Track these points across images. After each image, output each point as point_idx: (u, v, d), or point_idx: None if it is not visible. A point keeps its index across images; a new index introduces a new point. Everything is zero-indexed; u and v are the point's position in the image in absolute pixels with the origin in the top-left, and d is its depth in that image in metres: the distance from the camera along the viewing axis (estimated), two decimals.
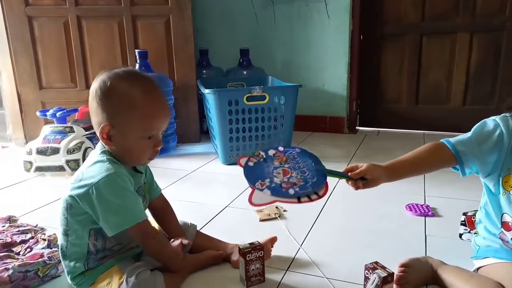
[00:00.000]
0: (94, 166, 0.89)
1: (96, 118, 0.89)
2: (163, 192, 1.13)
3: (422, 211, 1.39)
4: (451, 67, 2.54)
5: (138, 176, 0.97)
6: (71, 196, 0.88)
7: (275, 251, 1.13)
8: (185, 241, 1.00)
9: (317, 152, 2.27)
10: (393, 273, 0.87)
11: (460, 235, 1.21)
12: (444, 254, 1.11)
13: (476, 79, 2.50)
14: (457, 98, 2.56)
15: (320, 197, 0.86)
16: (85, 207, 0.86)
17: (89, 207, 0.86)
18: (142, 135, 0.89)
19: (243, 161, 0.88)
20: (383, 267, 0.88)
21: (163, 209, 1.09)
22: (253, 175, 0.85)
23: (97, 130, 0.90)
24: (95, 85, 0.89)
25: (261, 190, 0.83)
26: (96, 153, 0.92)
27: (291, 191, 0.84)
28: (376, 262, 0.90)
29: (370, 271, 0.88)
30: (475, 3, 2.41)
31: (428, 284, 0.96)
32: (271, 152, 0.89)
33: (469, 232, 1.19)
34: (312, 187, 0.85)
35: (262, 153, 0.89)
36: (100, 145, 0.94)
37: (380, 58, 2.70)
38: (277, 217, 1.39)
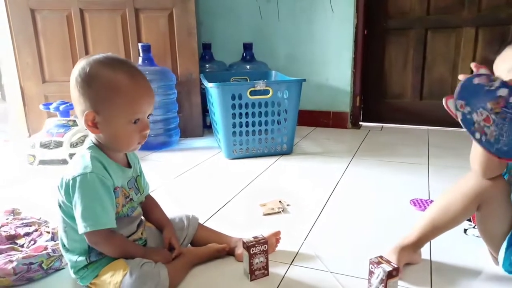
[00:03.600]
0: (76, 160, 0.89)
1: (79, 106, 0.88)
2: (167, 186, 1.12)
3: (426, 206, 1.38)
4: (456, 61, 2.52)
5: (127, 170, 0.96)
6: (60, 193, 0.89)
7: (280, 245, 1.12)
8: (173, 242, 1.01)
9: (321, 147, 2.28)
10: (398, 268, 0.86)
11: (465, 230, 1.20)
12: (449, 249, 1.10)
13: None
14: None
15: (499, 158, 0.81)
16: (67, 197, 0.87)
17: (66, 198, 0.87)
18: (128, 119, 0.87)
19: (473, 77, 0.81)
20: (388, 262, 0.88)
21: (146, 203, 1.06)
22: (466, 93, 0.80)
23: (81, 118, 0.88)
24: (74, 73, 0.87)
25: (456, 109, 0.80)
26: (83, 147, 0.92)
27: (477, 136, 0.80)
28: (381, 257, 0.90)
29: (375, 265, 0.87)
30: None
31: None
32: (499, 92, 0.81)
33: (473, 227, 1.18)
34: (496, 151, 0.80)
35: (497, 84, 0.81)
36: (88, 140, 0.93)
37: (384, 52, 2.68)
38: (280, 211, 1.38)
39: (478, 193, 0.92)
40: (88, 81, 0.85)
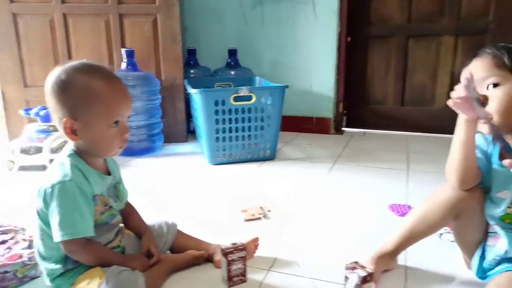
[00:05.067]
0: (55, 167, 0.88)
1: (57, 114, 0.87)
2: (149, 191, 1.12)
3: (404, 212, 1.40)
4: (436, 69, 2.58)
5: (106, 178, 0.96)
6: (37, 201, 0.88)
7: (258, 251, 1.13)
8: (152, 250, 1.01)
9: (304, 152, 2.30)
10: (372, 273, 0.88)
11: (440, 235, 1.23)
12: (424, 254, 1.13)
13: (460, 82, 2.53)
14: (442, 100, 2.59)
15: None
16: (44, 205, 0.87)
17: (44, 206, 0.87)
18: (107, 123, 0.87)
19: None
20: (363, 267, 0.89)
21: (125, 210, 1.05)
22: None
23: (59, 126, 0.88)
24: (50, 81, 0.87)
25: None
26: (62, 155, 0.91)
27: None
28: (356, 262, 0.91)
29: (350, 270, 0.89)
30: (460, 6, 2.45)
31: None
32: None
33: (448, 232, 1.21)
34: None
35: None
36: (68, 147, 0.92)
37: (367, 59, 2.72)
38: (261, 217, 1.39)
39: (455, 205, 0.94)
40: (64, 88, 0.85)
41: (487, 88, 0.83)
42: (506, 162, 0.72)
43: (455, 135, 0.89)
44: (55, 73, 0.87)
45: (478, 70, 0.85)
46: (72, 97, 0.85)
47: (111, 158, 1.01)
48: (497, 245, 0.92)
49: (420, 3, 2.52)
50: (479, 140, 0.93)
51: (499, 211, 0.89)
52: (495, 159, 0.90)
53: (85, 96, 0.85)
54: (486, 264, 0.96)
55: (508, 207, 0.88)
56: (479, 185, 0.94)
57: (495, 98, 0.82)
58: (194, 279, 1.03)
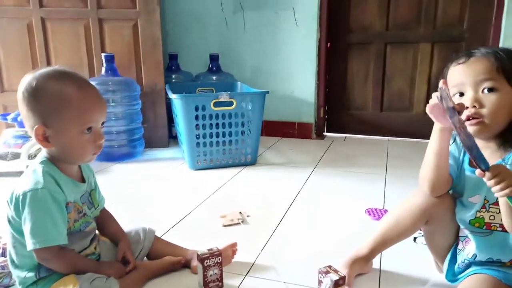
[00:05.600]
0: (27, 174, 0.88)
1: (28, 121, 0.87)
2: (128, 197, 1.11)
3: (381, 216, 1.43)
4: (413, 75, 2.64)
5: (80, 185, 0.95)
6: (9, 208, 0.87)
7: (236, 256, 1.14)
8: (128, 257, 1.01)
9: (285, 157, 2.32)
10: (344, 277, 0.90)
11: (414, 239, 1.26)
12: (398, 257, 1.15)
13: (436, 88, 2.60)
14: (419, 105, 2.65)
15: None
16: (16, 212, 0.86)
17: (16, 214, 0.86)
18: (80, 129, 0.87)
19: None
20: (336, 271, 0.91)
21: (101, 217, 1.05)
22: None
23: (32, 134, 0.87)
24: (21, 88, 0.86)
25: None
26: (35, 162, 0.90)
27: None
28: (330, 266, 0.93)
29: (323, 274, 0.90)
30: (435, 15, 2.52)
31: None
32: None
33: (423, 235, 1.24)
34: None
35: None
36: (41, 154, 0.92)
37: (346, 65, 2.77)
38: (240, 223, 1.40)
39: (426, 210, 0.96)
40: (35, 95, 0.85)
41: (482, 91, 0.83)
42: (477, 172, 0.74)
43: (429, 144, 0.91)
44: (26, 80, 0.86)
45: (476, 71, 0.84)
46: (44, 104, 0.85)
47: (86, 165, 1.00)
48: (466, 249, 0.95)
49: (397, 11, 2.58)
50: (451, 146, 0.94)
51: (469, 215, 0.92)
52: (466, 165, 0.92)
53: (56, 103, 0.85)
54: (456, 267, 0.98)
55: (478, 211, 0.91)
56: (451, 189, 0.97)
57: (489, 103, 0.83)
58: (170, 285, 1.03)
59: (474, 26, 2.46)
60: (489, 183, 0.73)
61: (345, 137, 2.80)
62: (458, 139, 0.93)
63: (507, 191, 0.71)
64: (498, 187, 0.72)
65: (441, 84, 0.82)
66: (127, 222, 1.12)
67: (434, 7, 2.51)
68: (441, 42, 2.55)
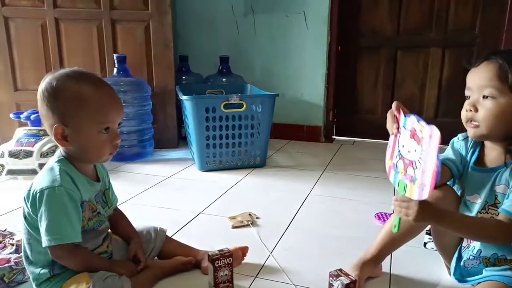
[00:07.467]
0: (45, 172, 0.89)
1: (48, 121, 0.89)
2: (138, 197, 1.13)
3: None
4: (424, 80, 2.63)
5: (95, 184, 0.97)
6: (26, 205, 0.89)
7: (246, 257, 1.15)
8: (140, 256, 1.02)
9: (294, 160, 2.32)
10: (355, 280, 0.90)
11: (425, 244, 1.25)
12: (409, 262, 1.15)
13: (447, 93, 2.60)
14: (430, 110, 2.64)
15: None
16: (33, 209, 0.87)
17: (32, 210, 0.87)
18: (98, 128, 0.88)
19: None
20: (347, 274, 0.91)
21: (113, 215, 1.06)
22: None
23: (50, 133, 0.89)
24: (41, 88, 0.88)
25: None
26: (52, 160, 0.92)
27: None
28: (340, 269, 0.93)
29: (334, 278, 0.91)
30: (447, 19, 2.51)
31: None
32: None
33: (432, 241, 1.23)
34: None
35: None
36: (58, 152, 0.93)
37: (356, 69, 2.76)
38: (249, 224, 1.40)
39: None
40: (55, 95, 0.87)
41: (483, 97, 0.86)
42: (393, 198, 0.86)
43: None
44: (46, 80, 0.88)
45: (480, 77, 0.87)
46: (63, 103, 0.87)
47: (100, 164, 1.01)
48: (471, 245, 0.96)
49: (408, 16, 2.58)
50: (457, 143, 0.99)
51: (471, 215, 0.93)
52: (472, 164, 0.95)
53: (75, 103, 0.87)
54: (462, 264, 0.98)
55: (479, 212, 0.92)
56: (454, 184, 0.99)
57: (483, 110, 0.85)
58: (181, 285, 1.04)
59: (485, 32, 2.45)
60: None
61: (354, 140, 2.79)
62: (469, 138, 0.95)
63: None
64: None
65: (394, 106, 0.90)
66: (137, 221, 1.13)
67: (445, 12, 2.50)
68: (452, 47, 2.54)
